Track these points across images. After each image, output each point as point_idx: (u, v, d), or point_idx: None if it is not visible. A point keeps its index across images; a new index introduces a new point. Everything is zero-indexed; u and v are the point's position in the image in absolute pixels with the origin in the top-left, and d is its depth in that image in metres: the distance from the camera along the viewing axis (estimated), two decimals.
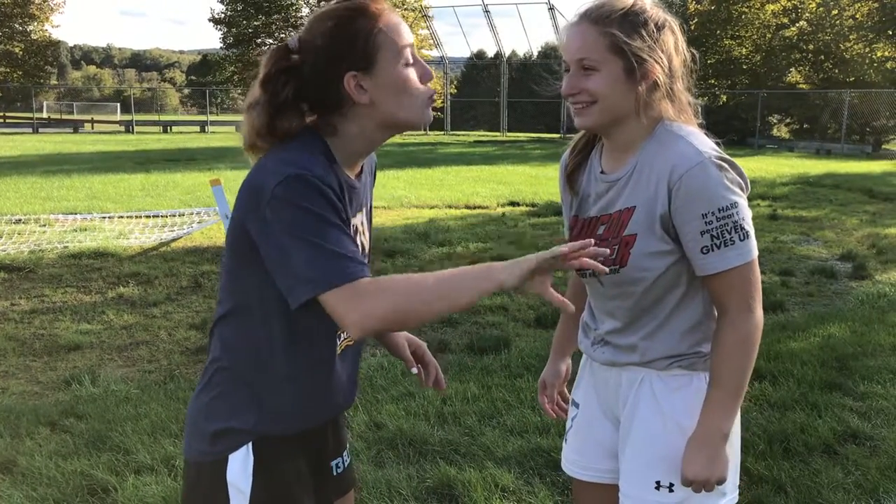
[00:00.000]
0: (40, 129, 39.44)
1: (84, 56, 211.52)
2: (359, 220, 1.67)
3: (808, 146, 29.99)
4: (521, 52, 56.57)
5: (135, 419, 3.94)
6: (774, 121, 37.39)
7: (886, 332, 5.48)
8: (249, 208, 1.48)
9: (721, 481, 1.69)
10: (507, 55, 46.77)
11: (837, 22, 33.58)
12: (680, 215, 1.66)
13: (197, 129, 42.04)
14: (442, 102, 41.20)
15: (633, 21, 1.66)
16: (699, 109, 1.79)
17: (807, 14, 35.63)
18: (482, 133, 42.18)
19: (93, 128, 43.71)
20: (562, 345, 2.14)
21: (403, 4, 38.32)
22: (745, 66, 36.45)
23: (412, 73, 1.58)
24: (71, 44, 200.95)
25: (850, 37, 33.01)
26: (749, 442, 3.64)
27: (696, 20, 34.69)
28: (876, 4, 31.83)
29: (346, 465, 1.84)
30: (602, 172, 1.81)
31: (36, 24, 45.95)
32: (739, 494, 1.83)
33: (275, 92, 1.54)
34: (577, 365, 2.02)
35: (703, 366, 1.77)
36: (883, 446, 3.68)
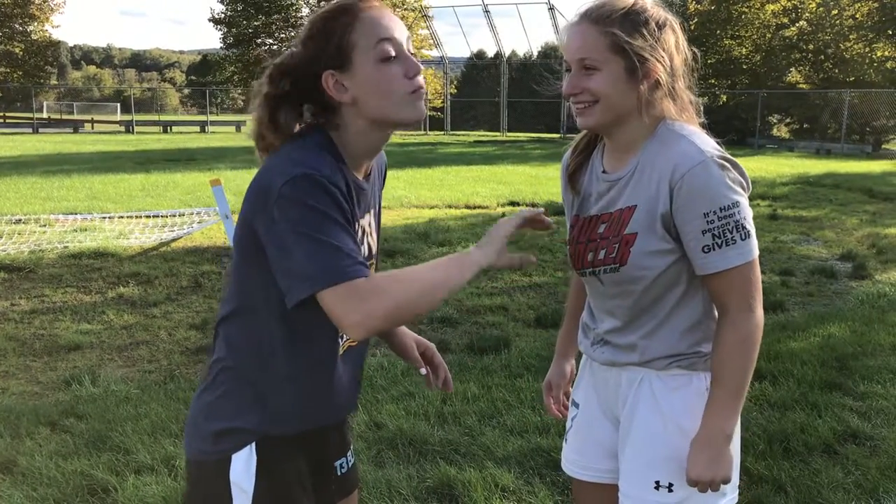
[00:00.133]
0: (40, 130, 39.44)
1: (84, 56, 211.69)
2: (367, 221, 1.67)
3: (808, 146, 30.00)
4: (521, 52, 56.73)
5: (135, 419, 3.94)
6: (774, 121, 37.42)
7: (886, 332, 5.48)
8: (257, 209, 1.48)
9: (726, 481, 1.70)
10: (507, 55, 46.79)
11: (837, 22, 33.60)
12: (681, 214, 1.66)
13: (197, 129, 42.03)
14: (442, 102, 41.24)
15: (634, 20, 1.66)
16: (701, 108, 1.79)
17: (807, 14, 35.65)
18: (482, 133, 42.20)
19: (93, 128, 43.71)
20: (565, 345, 2.14)
21: (403, 4, 38.34)
22: (745, 66, 36.47)
23: (391, 69, 1.55)
24: (71, 44, 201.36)
25: (850, 37, 33.02)
26: (749, 442, 3.64)
27: (696, 20, 34.72)
28: (876, 4, 31.84)
29: (350, 465, 1.83)
30: (604, 172, 1.81)
31: (36, 24, 45.98)
32: (739, 494, 1.84)
33: (274, 86, 1.58)
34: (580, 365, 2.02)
35: (702, 366, 1.77)
36: (883, 446, 3.68)
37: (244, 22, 42.68)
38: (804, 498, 3.23)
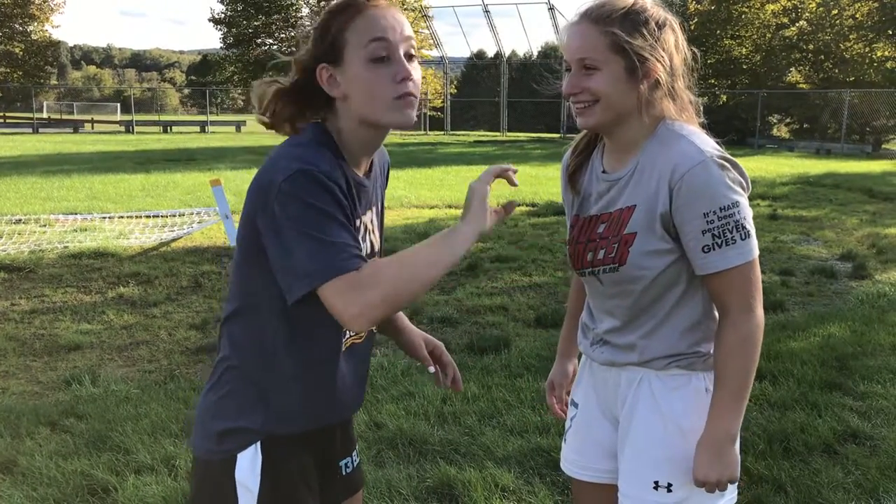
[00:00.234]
0: (40, 130, 39.44)
1: (84, 56, 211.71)
2: (368, 218, 1.67)
3: (808, 146, 30.00)
4: (521, 52, 56.76)
5: (135, 419, 3.94)
6: (774, 121, 37.41)
7: (886, 332, 5.48)
8: (259, 206, 1.49)
9: (733, 480, 1.70)
10: (507, 55, 46.82)
11: (837, 22, 33.59)
12: (681, 214, 1.66)
13: (197, 129, 42.02)
14: (442, 102, 41.25)
15: (634, 20, 1.66)
16: (700, 108, 1.79)
17: (807, 14, 35.64)
18: (482, 133, 42.21)
19: (93, 128, 43.70)
20: (567, 345, 2.14)
21: (403, 4, 38.34)
22: (745, 66, 36.47)
23: (380, 71, 1.52)
24: (71, 44, 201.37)
25: (850, 37, 33.01)
26: (749, 442, 3.64)
27: (696, 20, 34.71)
28: (876, 4, 31.84)
29: (354, 465, 1.84)
30: (603, 172, 1.81)
31: (36, 24, 46.00)
32: (739, 494, 1.84)
33: (285, 73, 1.62)
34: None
35: (702, 366, 1.77)
36: (883, 446, 3.68)
37: (244, 22, 42.69)
38: (804, 498, 3.23)
